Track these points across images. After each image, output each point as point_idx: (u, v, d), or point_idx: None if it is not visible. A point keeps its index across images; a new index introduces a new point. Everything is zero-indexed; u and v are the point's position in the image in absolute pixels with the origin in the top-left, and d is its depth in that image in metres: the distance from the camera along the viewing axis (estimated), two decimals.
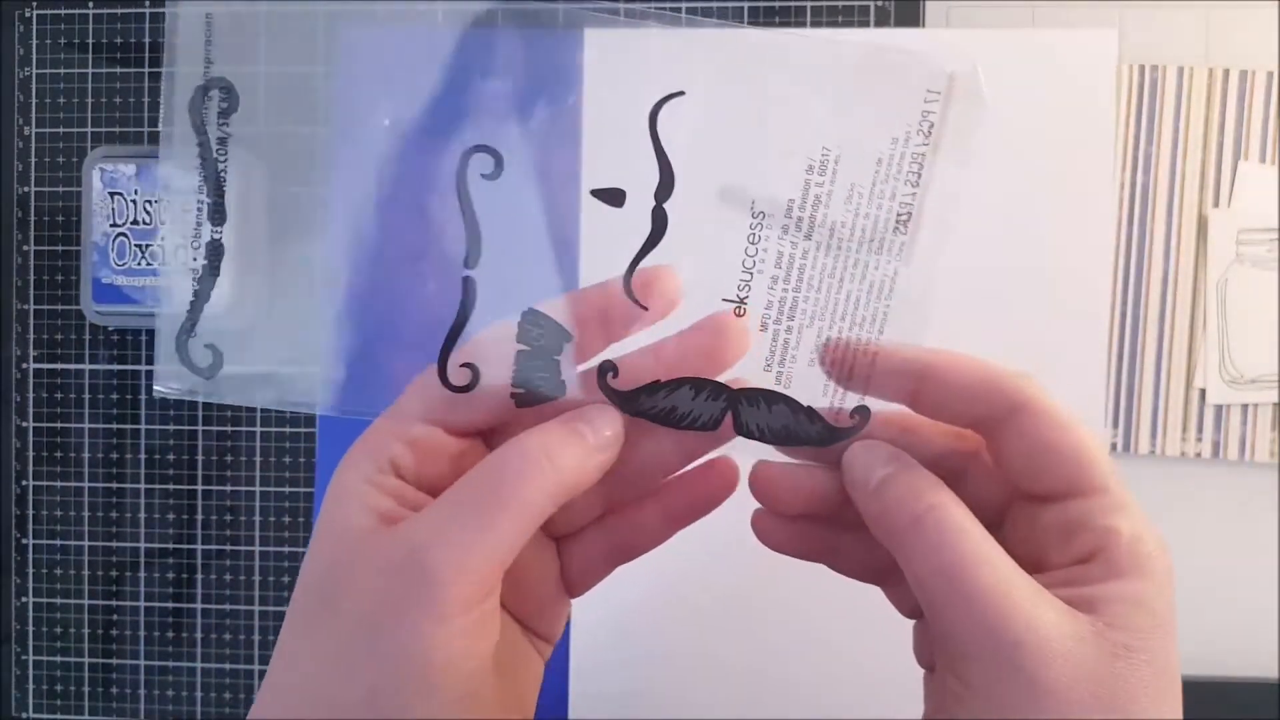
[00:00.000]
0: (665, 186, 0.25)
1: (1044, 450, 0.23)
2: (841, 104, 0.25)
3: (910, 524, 0.22)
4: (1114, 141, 0.45)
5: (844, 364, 0.25)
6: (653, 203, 0.25)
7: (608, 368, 0.25)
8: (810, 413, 0.25)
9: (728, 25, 0.46)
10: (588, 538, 0.27)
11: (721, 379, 0.25)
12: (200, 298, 0.23)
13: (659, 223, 0.25)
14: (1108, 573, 0.21)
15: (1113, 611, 0.21)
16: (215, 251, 0.22)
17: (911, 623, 0.27)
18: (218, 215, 0.22)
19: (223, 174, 0.22)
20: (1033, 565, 0.22)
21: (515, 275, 0.25)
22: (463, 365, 0.24)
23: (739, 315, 0.25)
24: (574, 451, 0.23)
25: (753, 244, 0.25)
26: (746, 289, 0.25)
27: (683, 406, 0.25)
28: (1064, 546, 0.22)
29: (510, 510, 0.21)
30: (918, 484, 0.23)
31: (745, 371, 0.25)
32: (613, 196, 0.25)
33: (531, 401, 0.24)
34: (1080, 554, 0.22)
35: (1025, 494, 0.24)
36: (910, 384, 0.24)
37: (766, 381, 0.25)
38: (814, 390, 0.25)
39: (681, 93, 0.26)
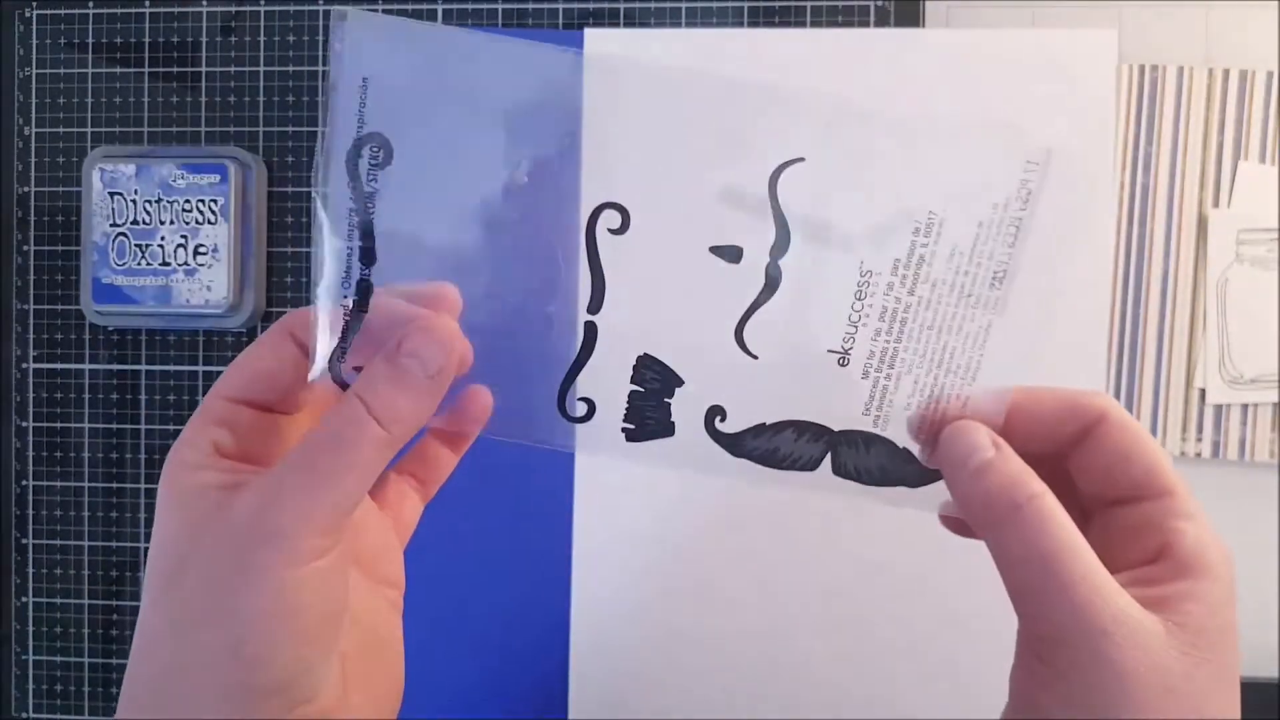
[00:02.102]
0: (780, 245, 0.27)
1: (1120, 457, 0.25)
2: (947, 171, 0.28)
3: (1011, 510, 0.23)
4: (1114, 142, 0.45)
5: (935, 426, 0.26)
6: (767, 259, 0.27)
7: (715, 411, 0.26)
8: (907, 454, 0.26)
9: (729, 27, 0.46)
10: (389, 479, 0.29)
11: (824, 423, 0.26)
12: (351, 330, 0.25)
13: (772, 278, 0.27)
14: (1174, 573, 0.23)
15: (1182, 610, 0.22)
16: (364, 289, 0.25)
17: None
18: (368, 257, 0.25)
19: (372, 221, 0.25)
20: (1107, 569, 0.24)
21: (632, 321, 0.27)
22: (581, 399, 0.27)
23: (841, 366, 0.27)
24: (401, 398, 0.24)
25: (859, 299, 0.27)
26: (851, 340, 0.27)
27: (785, 448, 0.27)
28: (1134, 547, 0.24)
29: (343, 470, 0.23)
30: (1019, 473, 0.24)
31: (845, 415, 0.27)
32: (731, 253, 0.27)
33: (641, 438, 0.27)
34: (1148, 554, 0.24)
35: (1101, 501, 0.25)
36: (998, 425, 0.25)
37: (865, 425, 0.27)
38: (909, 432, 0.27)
39: (802, 159, 0.28)
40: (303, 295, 0.48)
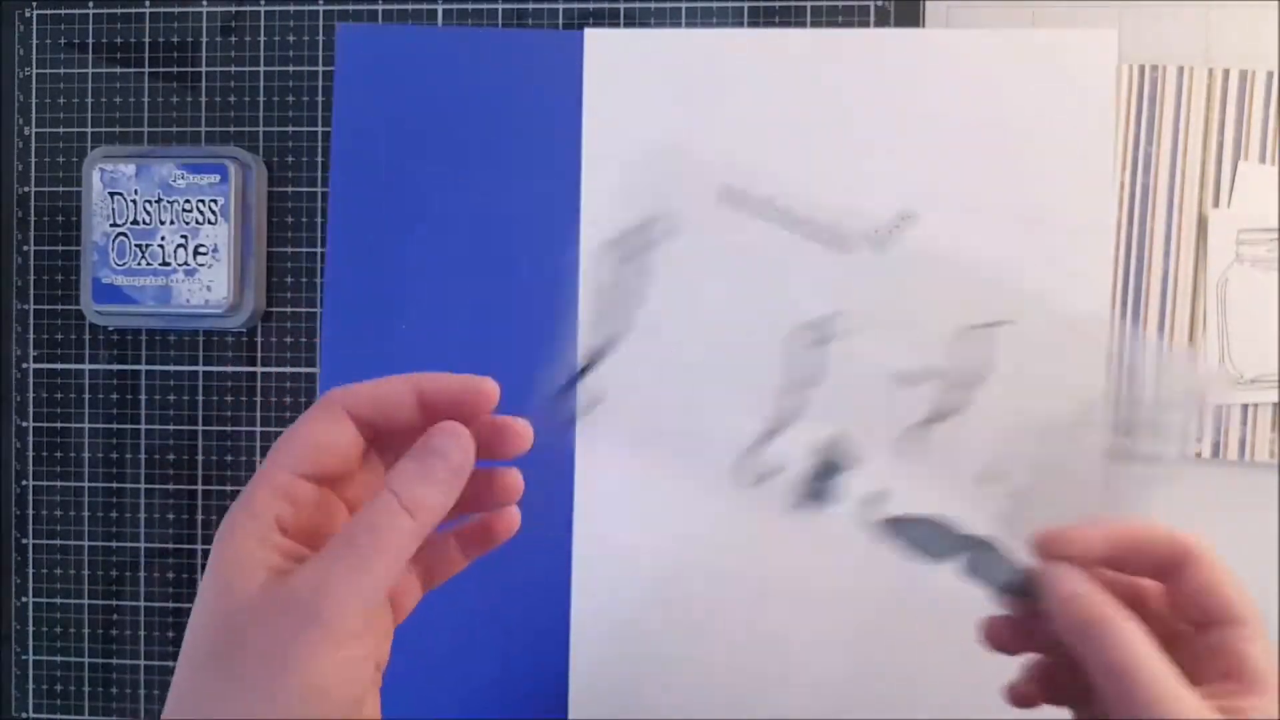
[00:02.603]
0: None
1: (1205, 590, 0.30)
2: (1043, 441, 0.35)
3: (1093, 625, 0.29)
4: (1114, 142, 0.45)
5: (1050, 548, 0.32)
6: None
7: (880, 496, 0.36)
8: (1026, 573, 0.32)
9: (729, 27, 0.46)
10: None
11: (967, 530, 0.34)
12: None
13: (948, 408, 0.39)
14: (1242, 690, 0.28)
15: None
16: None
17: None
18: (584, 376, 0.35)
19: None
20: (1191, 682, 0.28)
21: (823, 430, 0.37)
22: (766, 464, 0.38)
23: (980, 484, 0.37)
24: (428, 490, 0.27)
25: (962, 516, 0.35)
26: (996, 472, 0.37)
27: (928, 543, 0.33)
28: (1212, 666, 0.29)
29: (379, 556, 0.26)
30: (1100, 599, 0.30)
31: (982, 527, 0.33)
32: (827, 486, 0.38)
33: (811, 503, 0.38)
34: (1222, 672, 0.29)
35: (1188, 621, 0.30)
36: (1101, 552, 0.31)
37: (997, 538, 0.33)
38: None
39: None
40: (303, 295, 0.48)
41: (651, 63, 0.45)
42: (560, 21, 0.47)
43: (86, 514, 0.49)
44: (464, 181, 0.46)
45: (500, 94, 0.46)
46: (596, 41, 0.46)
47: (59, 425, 0.49)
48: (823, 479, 0.34)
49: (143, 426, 0.49)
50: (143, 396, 0.48)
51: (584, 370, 0.43)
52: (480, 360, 0.45)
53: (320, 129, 0.48)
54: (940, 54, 0.45)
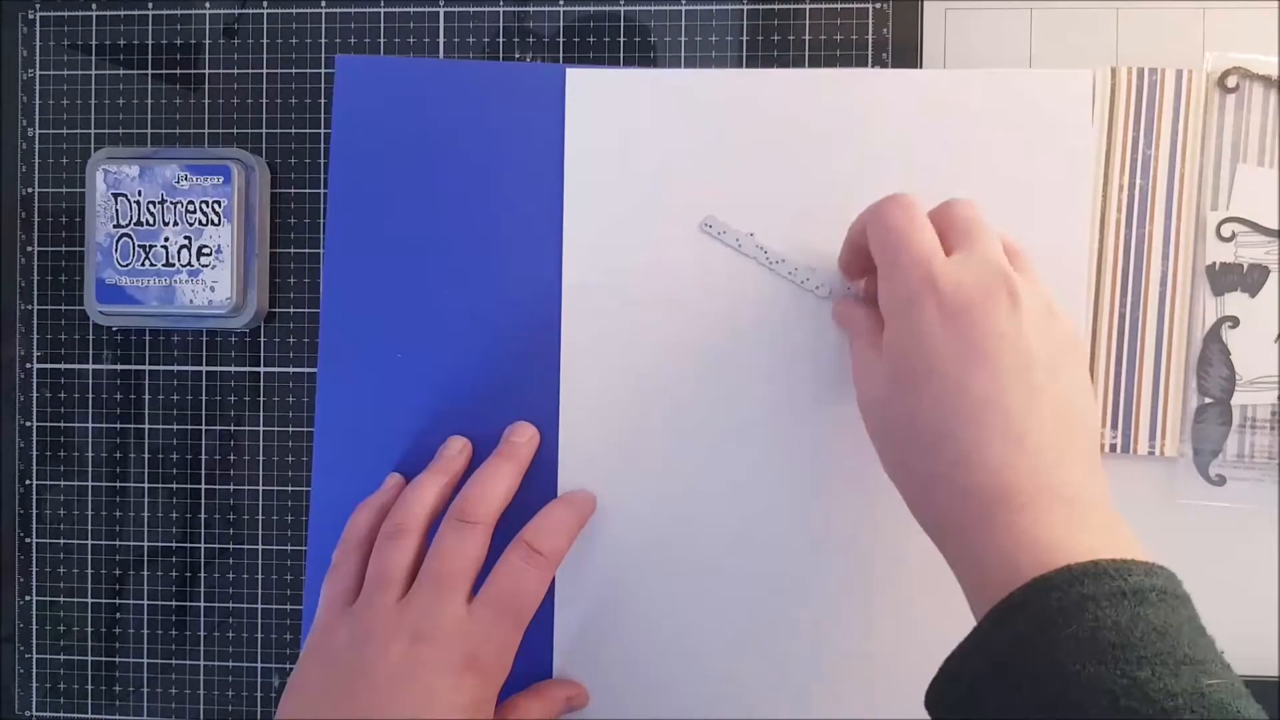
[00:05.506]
0: None
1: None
2: None
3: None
4: (1092, 177, 0.45)
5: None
6: None
7: None
8: None
9: (711, 69, 0.47)
10: None
11: None
12: None
13: None
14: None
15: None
16: None
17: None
18: None
19: None
20: None
21: None
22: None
23: None
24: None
25: None
26: None
27: None
28: None
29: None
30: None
31: None
32: None
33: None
34: None
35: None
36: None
37: None
38: None
39: None
40: (305, 295, 0.48)
41: (632, 100, 0.46)
42: (561, 23, 0.47)
43: (90, 513, 0.49)
44: (454, 209, 0.46)
45: (489, 125, 0.46)
46: (578, 81, 0.46)
47: (62, 425, 0.49)
48: None
49: (146, 426, 0.49)
50: (146, 396, 0.49)
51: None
52: (470, 385, 0.46)
53: (323, 130, 0.48)
54: (918, 94, 0.45)
